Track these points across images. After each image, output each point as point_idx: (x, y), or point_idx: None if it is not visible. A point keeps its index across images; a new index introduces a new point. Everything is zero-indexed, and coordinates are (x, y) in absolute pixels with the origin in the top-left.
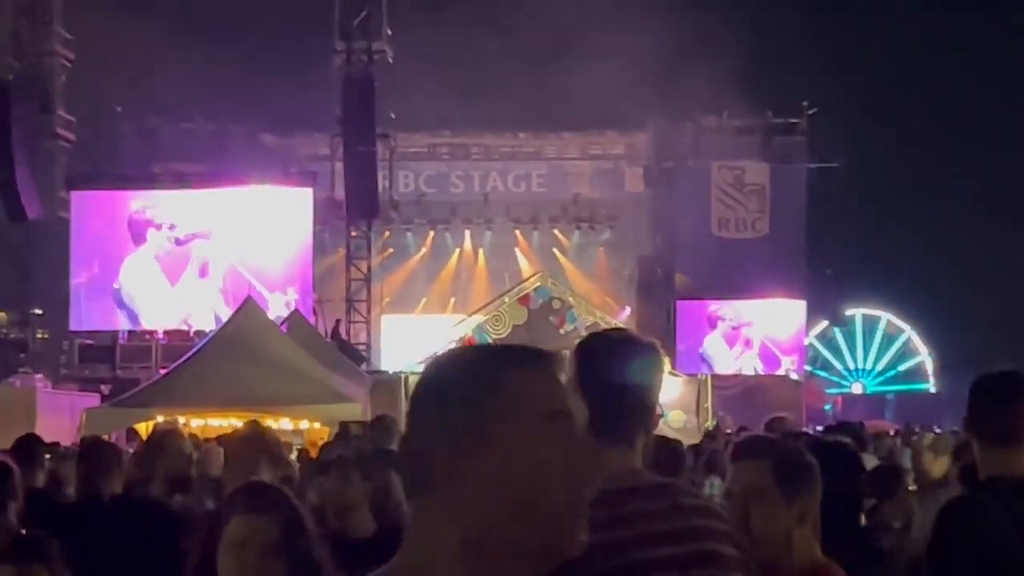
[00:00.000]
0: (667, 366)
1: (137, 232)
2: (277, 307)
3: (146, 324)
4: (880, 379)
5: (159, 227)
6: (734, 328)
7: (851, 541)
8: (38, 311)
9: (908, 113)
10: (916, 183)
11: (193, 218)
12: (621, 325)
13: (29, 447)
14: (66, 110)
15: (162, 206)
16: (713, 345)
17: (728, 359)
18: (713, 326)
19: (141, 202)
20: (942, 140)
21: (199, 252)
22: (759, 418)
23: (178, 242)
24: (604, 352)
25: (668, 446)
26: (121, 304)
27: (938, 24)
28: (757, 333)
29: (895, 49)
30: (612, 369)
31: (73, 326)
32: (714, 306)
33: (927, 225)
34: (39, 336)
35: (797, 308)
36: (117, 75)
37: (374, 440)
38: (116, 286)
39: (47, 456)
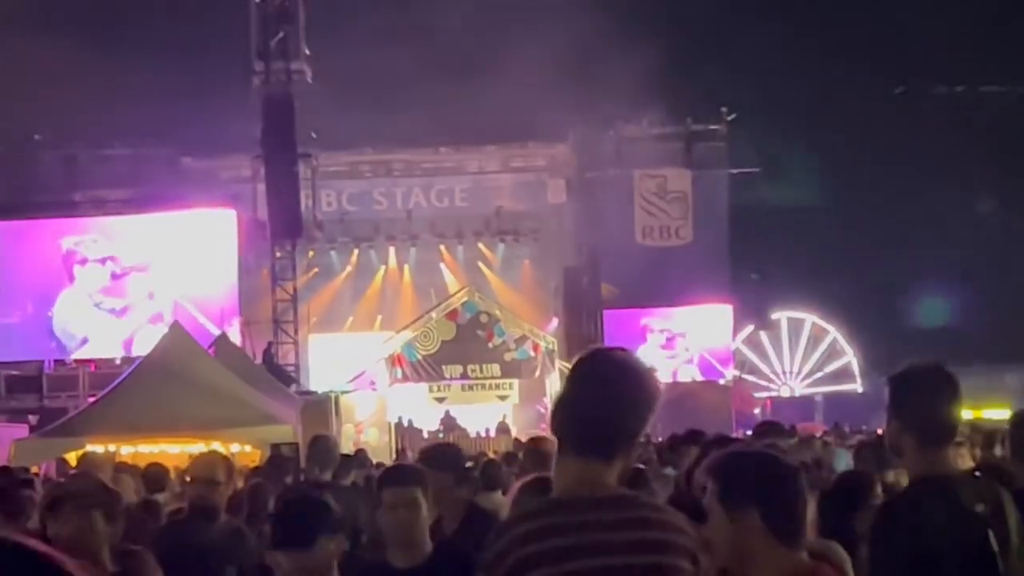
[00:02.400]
0: None
1: (68, 270)
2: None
3: (85, 355)
4: (808, 381)
5: (84, 263)
6: (668, 339)
7: None
8: None
9: (826, 114)
10: (836, 184)
11: (124, 250)
12: (624, 348)
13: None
14: None
15: (91, 241)
16: (647, 356)
17: (665, 370)
18: (644, 339)
19: (72, 239)
20: (861, 140)
21: (138, 288)
22: (691, 424)
23: (114, 276)
24: (600, 369)
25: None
26: (52, 335)
27: (856, 24)
28: (694, 345)
29: (811, 51)
30: (604, 387)
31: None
32: (645, 319)
33: (848, 226)
34: None
35: (725, 313)
36: (35, 102)
37: (313, 460)
38: (50, 319)
39: None
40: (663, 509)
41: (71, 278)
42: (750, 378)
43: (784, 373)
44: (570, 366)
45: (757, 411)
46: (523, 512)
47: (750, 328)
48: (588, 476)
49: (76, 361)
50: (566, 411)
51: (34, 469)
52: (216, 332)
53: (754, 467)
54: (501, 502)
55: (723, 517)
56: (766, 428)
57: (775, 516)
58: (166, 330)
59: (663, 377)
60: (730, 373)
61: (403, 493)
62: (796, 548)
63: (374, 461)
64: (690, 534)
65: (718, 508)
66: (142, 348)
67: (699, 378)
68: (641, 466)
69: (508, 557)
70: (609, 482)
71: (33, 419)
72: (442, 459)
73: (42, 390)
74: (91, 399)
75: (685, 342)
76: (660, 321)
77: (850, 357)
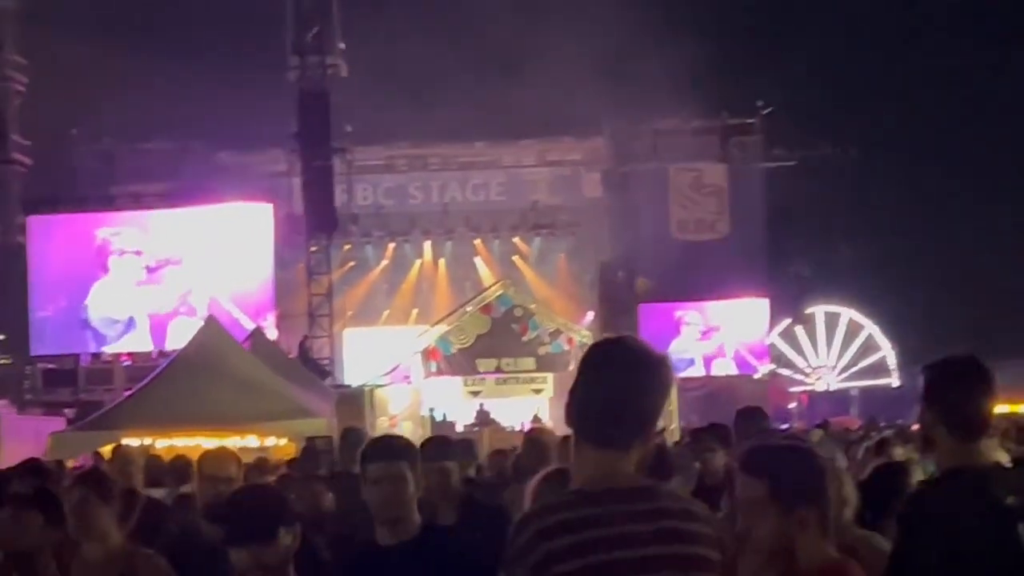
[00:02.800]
0: None
1: (103, 261)
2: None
3: (120, 349)
4: (844, 375)
5: (121, 254)
6: (704, 332)
7: None
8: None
9: (862, 108)
10: (873, 178)
11: (160, 244)
12: (629, 334)
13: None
14: (21, 134)
15: (127, 234)
16: (683, 349)
17: (700, 362)
18: (678, 331)
19: (107, 231)
20: (898, 134)
21: (174, 281)
22: (726, 418)
23: (149, 269)
24: (612, 358)
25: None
26: (87, 327)
27: (893, 18)
28: (729, 340)
29: (848, 45)
30: (616, 376)
31: (35, 351)
32: (679, 312)
33: (886, 220)
34: (1, 362)
35: (761, 307)
36: (72, 98)
37: (345, 452)
38: (85, 312)
39: None
40: (685, 499)
41: (105, 269)
42: (785, 372)
43: (819, 367)
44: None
45: (793, 405)
46: (545, 506)
47: (786, 322)
48: (607, 467)
49: (112, 355)
50: (579, 402)
51: (70, 462)
52: (251, 326)
53: (804, 462)
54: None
55: (774, 511)
56: (749, 413)
57: (823, 510)
58: (201, 324)
59: (698, 371)
60: (765, 367)
61: (388, 467)
62: (830, 540)
63: None
64: (713, 523)
65: (769, 502)
66: (177, 342)
67: (734, 372)
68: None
69: (531, 552)
70: (628, 472)
71: (69, 412)
72: (435, 450)
73: (78, 384)
74: (127, 393)
75: (720, 336)
76: (695, 315)
77: (886, 352)
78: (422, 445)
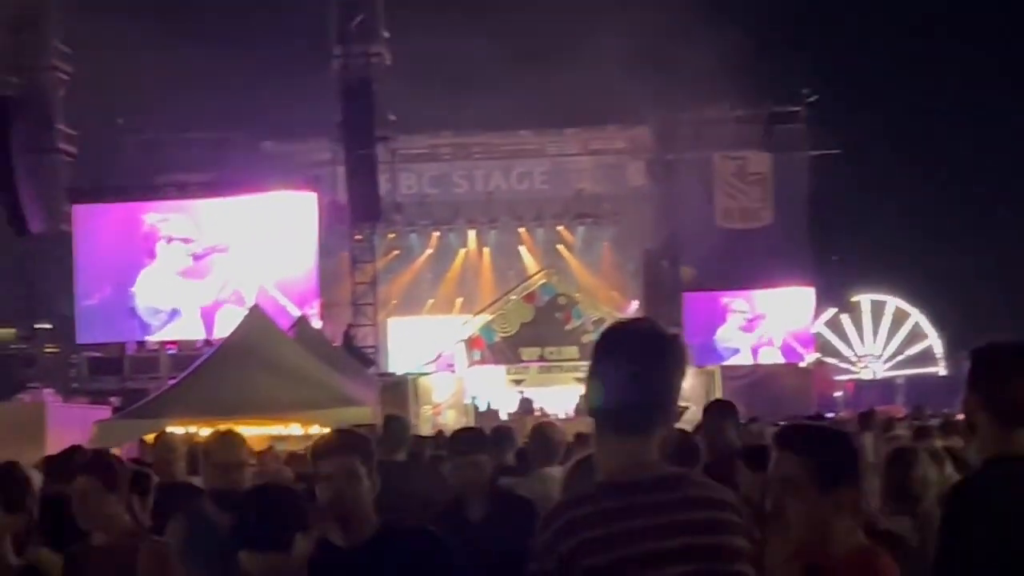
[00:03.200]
0: None
1: (149, 248)
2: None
3: (165, 337)
4: (890, 364)
5: (169, 240)
6: (749, 320)
7: None
8: (46, 325)
9: (908, 96)
10: (918, 165)
11: (205, 232)
12: (644, 318)
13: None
14: (66, 124)
15: (174, 221)
16: (728, 337)
17: (747, 350)
18: (724, 319)
19: (155, 217)
20: (943, 121)
21: (219, 269)
22: (772, 406)
23: (196, 257)
24: (623, 343)
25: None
26: (134, 315)
27: (937, 3)
28: (775, 328)
29: (892, 32)
30: (630, 360)
31: (80, 339)
32: (726, 298)
33: (931, 207)
34: (47, 351)
35: (806, 295)
36: (117, 87)
37: (384, 442)
38: (132, 300)
39: None
40: (712, 486)
41: (152, 256)
42: (831, 361)
43: (865, 356)
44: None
45: (838, 394)
46: (571, 499)
47: (832, 311)
48: (631, 456)
49: (157, 343)
50: (596, 390)
51: (115, 450)
52: (296, 314)
53: (843, 443)
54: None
55: (811, 490)
56: (718, 407)
57: (858, 493)
58: (246, 312)
59: (744, 359)
60: (811, 356)
61: (339, 462)
62: (861, 527)
63: None
64: (741, 511)
65: (807, 480)
66: (222, 330)
67: (780, 361)
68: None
69: (558, 546)
70: (652, 459)
71: (115, 401)
72: (468, 444)
73: (123, 372)
74: (171, 381)
75: (766, 324)
76: (742, 303)
77: (932, 340)
78: (453, 437)
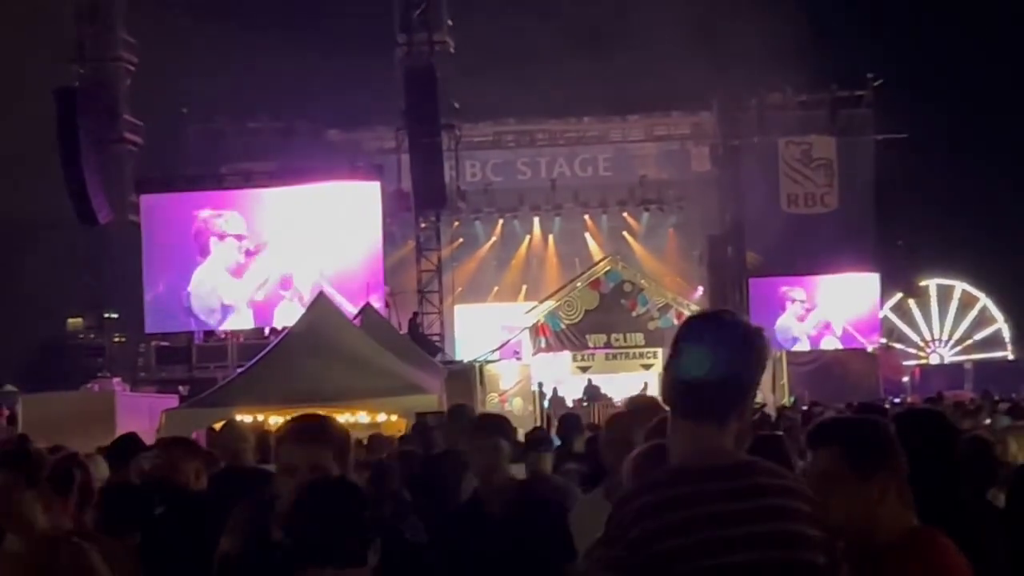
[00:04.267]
0: None
1: (203, 244)
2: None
3: (230, 327)
4: (957, 348)
5: (222, 237)
6: (807, 309)
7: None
8: (114, 315)
9: (975, 79)
10: (985, 150)
11: (268, 222)
12: (726, 308)
13: (123, 447)
14: (132, 114)
15: (228, 215)
16: (787, 326)
17: (805, 338)
18: (783, 308)
19: (207, 212)
20: (1010, 105)
21: (283, 259)
22: (838, 392)
23: (248, 253)
24: (705, 332)
25: (768, 438)
26: (190, 314)
27: None
28: (837, 316)
29: (959, 15)
30: (709, 349)
31: (149, 329)
32: (784, 287)
33: (997, 191)
34: (116, 340)
35: (871, 281)
36: (181, 77)
37: (450, 430)
38: (186, 298)
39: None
40: (785, 475)
41: (206, 253)
42: (898, 346)
43: (933, 341)
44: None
45: (906, 379)
46: (644, 484)
47: (898, 296)
48: (704, 442)
49: (225, 332)
50: (675, 377)
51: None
52: (361, 303)
53: (874, 429)
54: None
55: (851, 480)
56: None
57: (901, 478)
58: (310, 302)
59: (802, 346)
60: (876, 342)
61: (308, 453)
62: (911, 509)
63: (519, 430)
64: (813, 500)
65: (845, 471)
66: (286, 319)
67: (840, 347)
68: (779, 433)
69: (630, 530)
70: (726, 447)
71: (183, 390)
72: (490, 428)
73: (191, 361)
74: (239, 370)
75: (826, 312)
76: (800, 291)
77: (1000, 324)
78: (475, 421)
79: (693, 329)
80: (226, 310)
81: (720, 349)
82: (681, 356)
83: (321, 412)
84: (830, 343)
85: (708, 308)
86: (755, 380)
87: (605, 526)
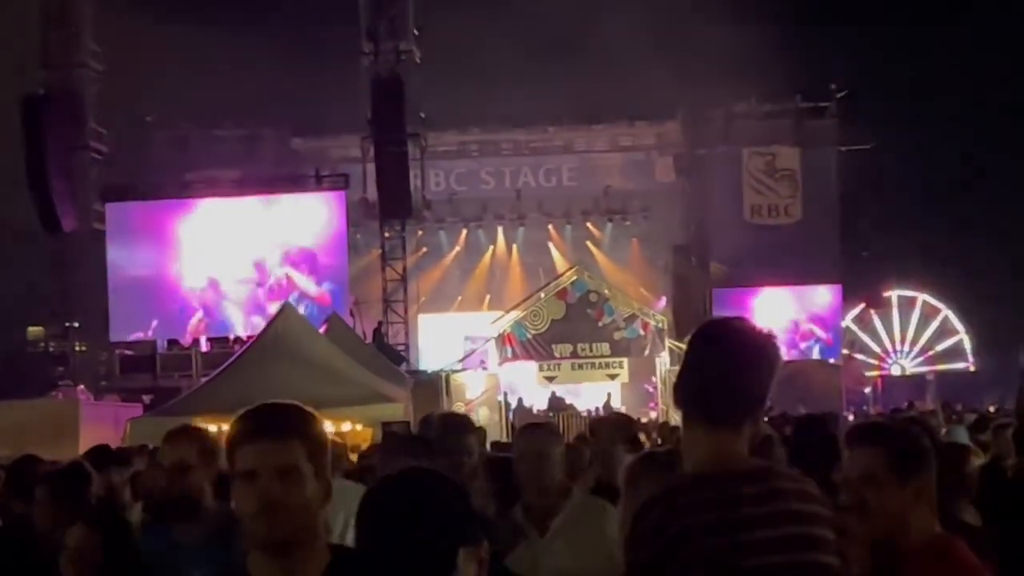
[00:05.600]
0: None
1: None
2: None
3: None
4: (919, 359)
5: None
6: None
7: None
8: (76, 324)
9: (938, 91)
10: (948, 161)
11: (234, 231)
12: (741, 316)
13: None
14: (97, 121)
15: (202, 223)
16: None
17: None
18: (751, 318)
19: (183, 218)
20: (974, 117)
21: (250, 267)
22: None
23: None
24: (721, 339)
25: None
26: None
27: None
28: (803, 326)
29: (923, 26)
30: (726, 355)
31: (112, 337)
32: (753, 297)
33: (961, 203)
34: (78, 348)
35: (834, 292)
36: (147, 85)
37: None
38: (160, 300)
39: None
40: (801, 480)
41: (179, 260)
42: (860, 357)
43: (895, 352)
44: (686, 340)
45: (868, 390)
46: (669, 487)
47: (860, 307)
48: (721, 448)
49: (189, 341)
50: (691, 382)
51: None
52: (327, 311)
53: (916, 433)
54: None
55: (891, 482)
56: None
57: (932, 483)
58: (277, 310)
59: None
60: (839, 352)
61: (271, 452)
62: (936, 517)
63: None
64: (827, 503)
65: (887, 471)
66: (252, 328)
67: (808, 357)
68: (770, 433)
69: (655, 536)
70: (742, 453)
71: (147, 399)
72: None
73: (155, 370)
74: (204, 379)
75: (792, 320)
76: (769, 299)
77: (962, 335)
78: (441, 421)
79: (711, 336)
80: (202, 312)
81: (739, 356)
82: (697, 362)
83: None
84: (796, 352)
85: (719, 316)
86: (769, 386)
87: (631, 529)
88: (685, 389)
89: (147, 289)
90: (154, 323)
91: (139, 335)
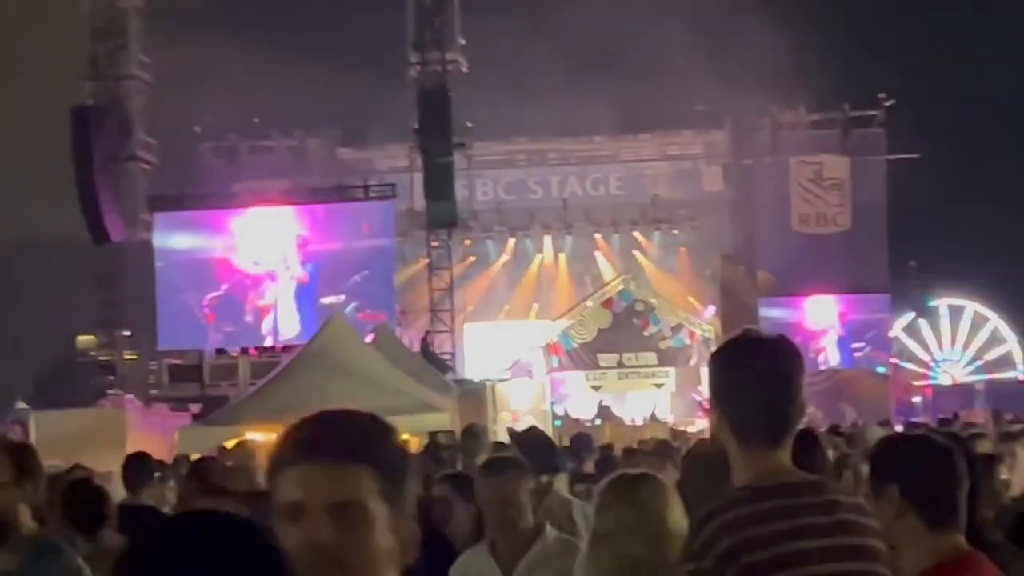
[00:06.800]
0: None
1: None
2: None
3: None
4: (969, 369)
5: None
6: (823, 327)
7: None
8: (126, 332)
9: (987, 99)
10: (997, 169)
11: (282, 241)
12: (753, 327)
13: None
14: (145, 132)
15: (249, 233)
16: (802, 344)
17: (822, 357)
18: (799, 326)
19: (231, 228)
20: (1022, 124)
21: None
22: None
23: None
24: (762, 357)
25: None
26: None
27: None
28: (851, 335)
29: (972, 34)
30: (771, 374)
31: (161, 346)
32: (801, 306)
33: (1009, 211)
34: (127, 357)
35: (882, 301)
36: (195, 95)
37: (465, 449)
38: (207, 309)
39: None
40: (845, 491)
41: (230, 269)
42: (909, 366)
43: (944, 361)
44: (719, 352)
45: (917, 399)
46: (726, 502)
47: (909, 316)
48: (770, 463)
49: (237, 350)
50: (735, 400)
51: (195, 456)
52: (375, 321)
53: (899, 447)
54: None
55: (872, 498)
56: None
57: (917, 496)
58: (325, 320)
59: (818, 365)
60: (888, 361)
61: (324, 480)
62: (946, 532)
63: None
64: (875, 515)
65: (869, 490)
66: (300, 337)
67: (856, 367)
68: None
69: (717, 544)
70: (789, 466)
71: (195, 407)
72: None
73: (203, 379)
74: (251, 388)
75: (840, 331)
76: (816, 308)
77: (1012, 344)
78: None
79: (739, 355)
80: (250, 321)
81: (779, 373)
82: (743, 381)
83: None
84: (845, 361)
85: (737, 331)
86: (803, 394)
87: (689, 540)
88: (731, 407)
89: (193, 298)
90: (200, 333)
91: (188, 345)
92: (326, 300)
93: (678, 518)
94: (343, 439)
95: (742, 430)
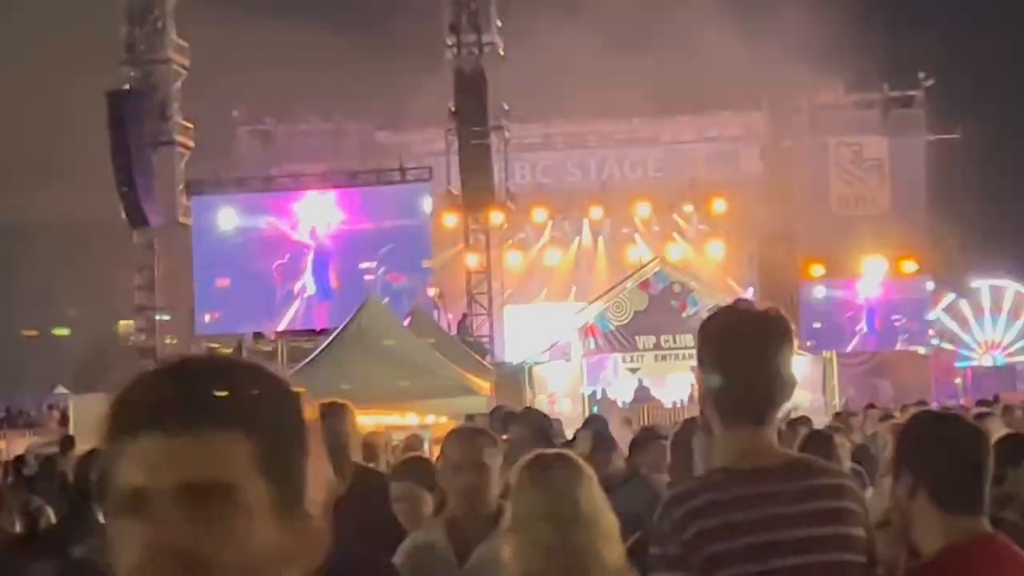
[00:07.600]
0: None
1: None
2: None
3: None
4: (1010, 350)
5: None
6: (865, 308)
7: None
8: (165, 317)
9: None
10: None
11: (320, 224)
12: (744, 298)
13: None
14: (183, 116)
15: (289, 215)
16: (840, 325)
17: (861, 338)
18: (838, 307)
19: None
20: None
21: (335, 261)
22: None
23: (310, 250)
24: (741, 331)
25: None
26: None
27: None
28: (891, 316)
29: (1012, 13)
30: (750, 349)
31: (199, 330)
32: (840, 287)
33: None
34: (167, 342)
35: (923, 282)
36: (232, 79)
37: (492, 429)
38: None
39: None
40: (833, 472)
41: (269, 250)
42: (949, 347)
43: (985, 342)
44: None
45: (958, 381)
46: (694, 486)
47: (950, 297)
48: (752, 443)
49: (275, 334)
50: (718, 379)
51: None
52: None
53: (914, 427)
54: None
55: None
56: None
57: (928, 477)
58: (362, 302)
59: (853, 347)
60: (929, 343)
61: (175, 456)
62: (964, 515)
63: (568, 432)
64: (861, 498)
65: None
66: (338, 320)
67: (896, 348)
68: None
69: (683, 530)
70: (773, 446)
71: None
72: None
73: None
74: (290, 371)
75: (880, 311)
76: (856, 289)
77: None
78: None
79: (730, 327)
80: (290, 304)
81: (760, 347)
82: (722, 356)
83: (370, 414)
84: (885, 342)
85: (734, 301)
86: (789, 368)
87: (656, 522)
88: (714, 387)
89: (233, 281)
90: (240, 315)
91: (226, 328)
92: (363, 264)
93: (595, 502)
94: (200, 395)
95: (724, 406)
